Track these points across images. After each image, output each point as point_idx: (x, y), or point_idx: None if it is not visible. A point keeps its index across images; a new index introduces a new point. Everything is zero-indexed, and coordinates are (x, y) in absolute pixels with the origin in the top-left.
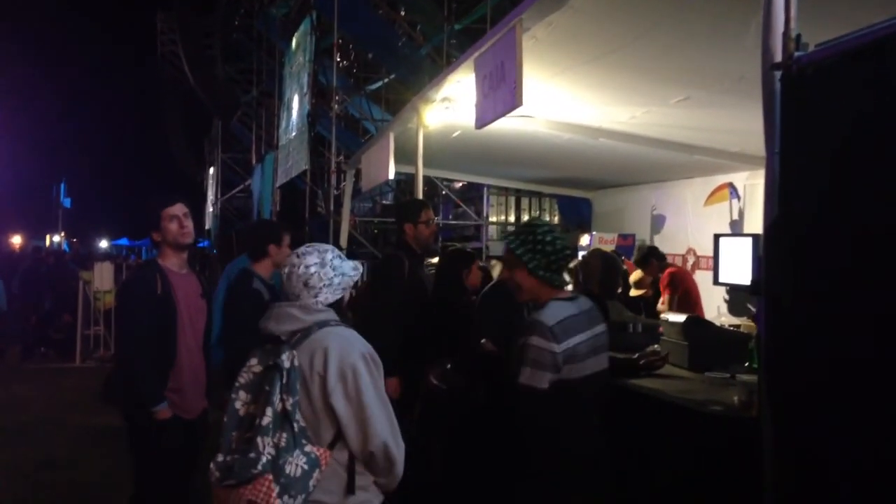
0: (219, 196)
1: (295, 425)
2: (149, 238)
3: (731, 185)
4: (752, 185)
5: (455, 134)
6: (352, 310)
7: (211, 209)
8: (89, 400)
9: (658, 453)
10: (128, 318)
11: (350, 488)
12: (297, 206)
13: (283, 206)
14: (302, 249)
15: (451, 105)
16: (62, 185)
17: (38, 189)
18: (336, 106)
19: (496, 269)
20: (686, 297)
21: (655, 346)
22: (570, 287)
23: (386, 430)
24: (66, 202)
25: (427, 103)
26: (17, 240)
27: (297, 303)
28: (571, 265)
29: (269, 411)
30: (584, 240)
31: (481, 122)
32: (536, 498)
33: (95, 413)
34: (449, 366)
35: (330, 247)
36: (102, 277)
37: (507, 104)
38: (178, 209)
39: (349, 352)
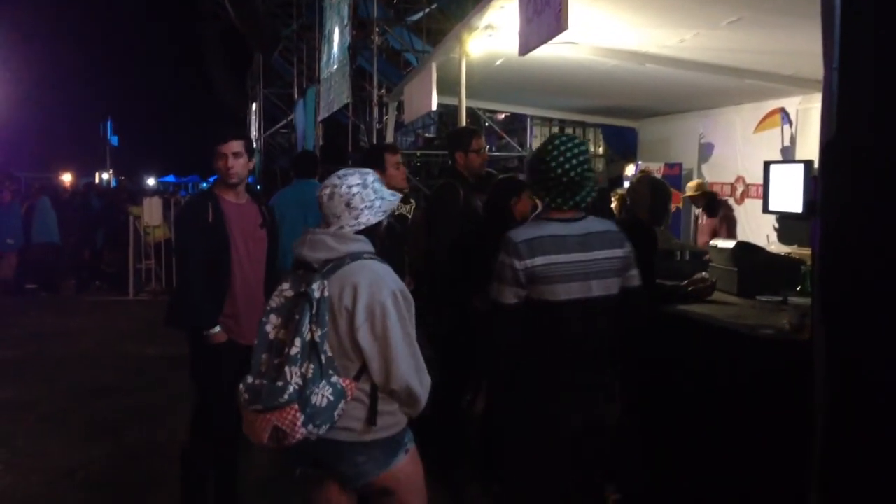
0: (262, 131)
1: (322, 356)
2: (196, 175)
3: (782, 111)
4: (806, 110)
5: (498, 62)
6: (406, 242)
7: (255, 145)
8: (143, 331)
9: (708, 379)
10: (181, 245)
11: (371, 419)
12: (339, 140)
13: (325, 140)
14: (342, 171)
15: (494, 33)
16: (108, 123)
17: (85, 127)
18: (377, 38)
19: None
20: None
21: (703, 273)
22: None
23: (410, 369)
24: (114, 140)
25: (470, 31)
26: (67, 177)
27: (332, 230)
28: (620, 192)
29: (297, 341)
30: (630, 169)
31: (525, 48)
32: (509, 411)
33: (150, 343)
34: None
35: (370, 170)
36: (152, 212)
37: (551, 28)
38: (228, 147)
39: (379, 288)
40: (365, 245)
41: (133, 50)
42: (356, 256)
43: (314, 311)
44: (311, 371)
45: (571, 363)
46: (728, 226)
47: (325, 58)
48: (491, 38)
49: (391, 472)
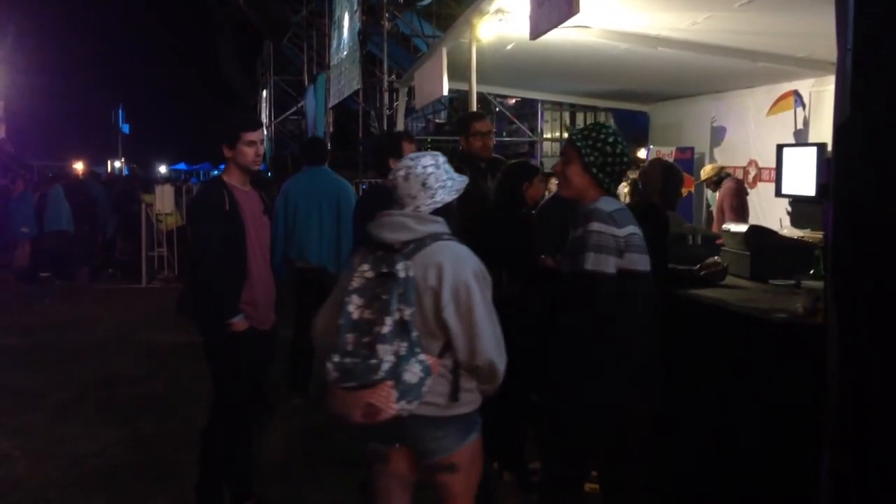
0: (272, 118)
1: (412, 335)
2: (207, 163)
3: (796, 93)
4: (819, 93)
5: (509, 47)
6: None
7: (264, 133)
8: (156, 318)
9: (720, 364)
10: (200, 235)
11: (454, 394)
12: (350, 126)
13: (336, 126)
14: (413, 154)
15: (504, 17)
16: (120, 112)
17: (97, 116)
18: (386, 23)
19: (552, 185)
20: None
21: (715, 257)
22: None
23: (492, 346)
24: (125, 128)
25: (481, 15)
26: (79, 166)
27: (409, 211)
28: (632, 176)
29: (388, 320)
30: (642, 154)
31: (536, 32)
32: (596, 398)
33: (163, 330)
34: (504, 275)
35: (438, 152)
36: (164, 200)
37: (562, 12)
38: (257, 135)
39: (462, 268)
40: (442, 226)
41: (144, 38)
42: (436, 237)
43: (401, 291)
44: (403, 349)
45: (647, 342)
46: (734, 197)
47: (334, 44)
48: (501, 23)
49: (464, 448)
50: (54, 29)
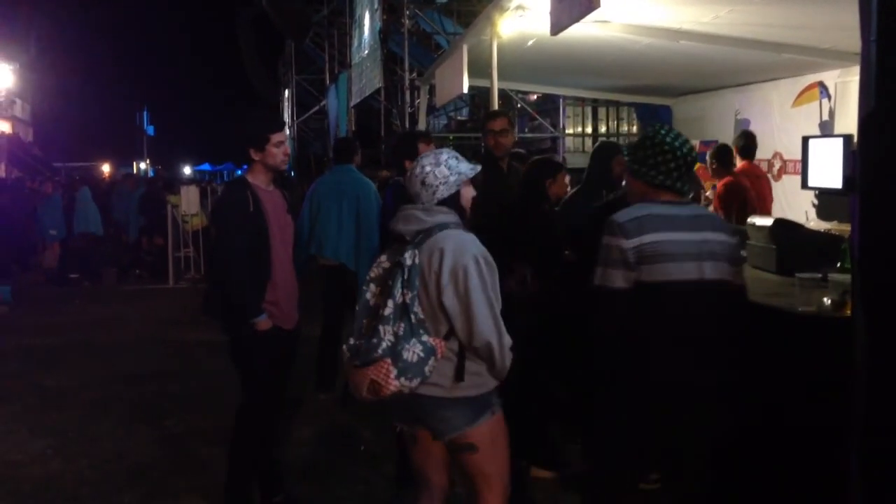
0: (295, 118)
1: (413, 317)
2: (230, 163)
3: (821, 85)
4: (844, 84)
5: (529, 43)
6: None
7: (287, 131)
8: (184, 318)
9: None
10: (224, 236)
11: (459, 375)
12: (372, 124)
13: (358, 125)
14: (422, 154)
15: (525, 13)
16: (145, 114)
17: (122, 118)
18: (407, 21)
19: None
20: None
21: (742, 252)
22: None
23: (490, 328)
24: (150, 130)
25: (501, 12)
26: (106, 168)
27: (420, 205)
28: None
29: (389, 303)
30: None
31: (557, 27)
32: (613, 419)
33: (190, 329)
34: (527, 272)
35: (447, 149)
36: (189, 201)
37: (583, 7)
38: (284, 135)
39: (462, 253)
40: (450, 216)
41: (167, 41)
42: (443, 226)
43: (405, 277)
44: (402, 329)
45: (685, 356)
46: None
47: (355, 43)
48: (522, 19)
49: (477, 428)
50: (79, 33)
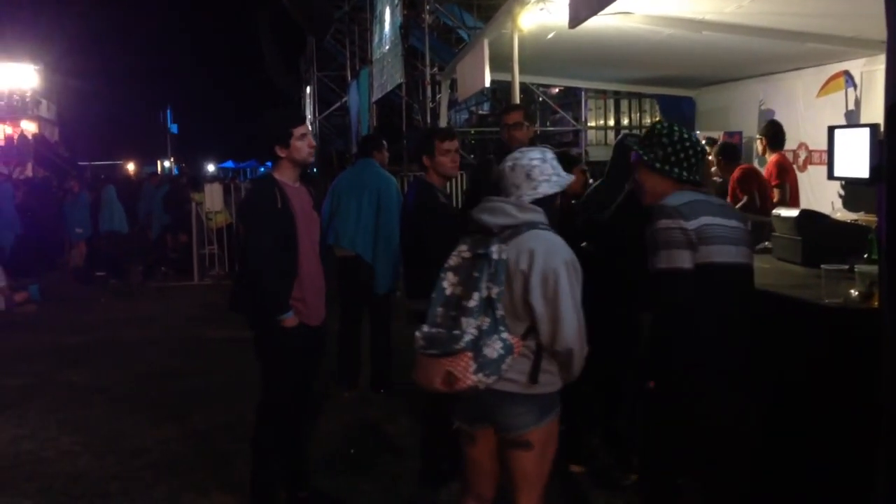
0: (317, 114)
1: (497, 312)
2: (254, 160)
3: (846, 74)
4: (870, 73)
5: (550, 36)
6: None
7: (310, 128)
8: (209, 315)
9: (772, 350)
10: (253, 233)
11: (534, 376)
12: (393, 120)
13: (380, 121)
14: (524, 147)
15: (545, 6)
16: (168, 112)
17: (146, 116)
18: (428, 16)
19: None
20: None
21: (766, 243)
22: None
23: (573, 334)
24: (174, 128)
25: (522, 5)
26: (131, 166)
27: (512, 199)
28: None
29: (475, 296)
30: None
31: (576, 19)
32: (688, 399)
33: (215, 326)
34: None
35: (548, 147)
36: (213, 199)
37: None
38: (306, 127)
39: (553, 256)
40: (541, 216)
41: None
42: (532, 225)
43: (492, 271)
44: (485, 324)
45: (739, 341)
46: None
47: (376, 39)
48: (543, 12)
49: (541, 428)
50: (103, 34)
